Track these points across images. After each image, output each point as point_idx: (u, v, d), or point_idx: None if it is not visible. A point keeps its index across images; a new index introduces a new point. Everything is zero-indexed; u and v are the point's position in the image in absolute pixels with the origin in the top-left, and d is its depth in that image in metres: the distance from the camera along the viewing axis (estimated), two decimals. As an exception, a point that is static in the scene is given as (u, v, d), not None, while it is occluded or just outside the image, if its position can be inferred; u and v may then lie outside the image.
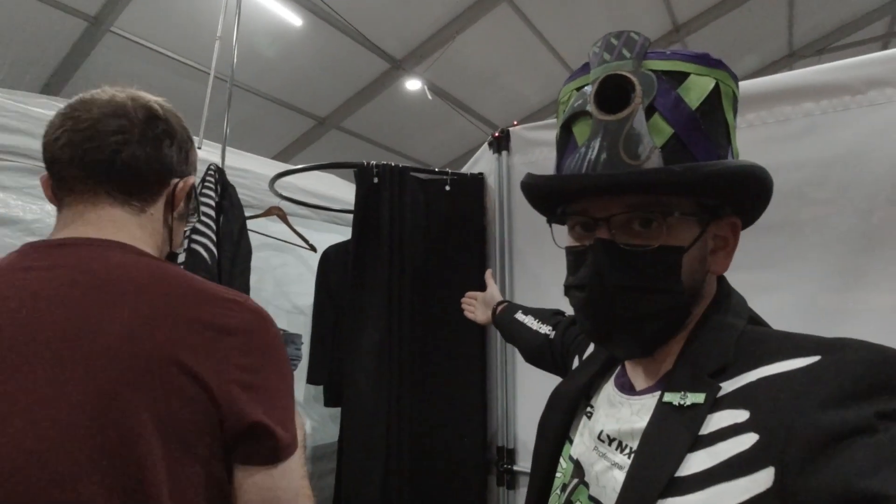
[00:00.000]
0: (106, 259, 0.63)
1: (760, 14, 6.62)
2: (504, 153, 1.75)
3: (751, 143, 1.30)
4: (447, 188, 1.80)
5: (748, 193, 0.53)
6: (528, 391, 1.68)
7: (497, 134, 1.77)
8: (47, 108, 1.79)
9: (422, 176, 1.80)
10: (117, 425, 0.53)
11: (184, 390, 0.56)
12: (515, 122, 1.82)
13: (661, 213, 0.51)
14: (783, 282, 1.24)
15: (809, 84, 1.25)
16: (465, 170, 1.98)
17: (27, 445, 0.51)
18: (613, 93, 0.51)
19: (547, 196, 0.58)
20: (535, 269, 1.69)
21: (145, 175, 0.70)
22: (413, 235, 1.73)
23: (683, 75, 0.52)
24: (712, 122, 0.52)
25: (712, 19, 6.60)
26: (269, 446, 0.60)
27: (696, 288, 0.54)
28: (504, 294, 1.71)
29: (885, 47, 6.83)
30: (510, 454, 1.67)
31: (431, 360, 1.72)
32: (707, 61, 0.53)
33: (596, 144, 0.51)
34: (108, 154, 0.67)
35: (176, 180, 0.75)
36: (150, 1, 4.63)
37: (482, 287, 1.35)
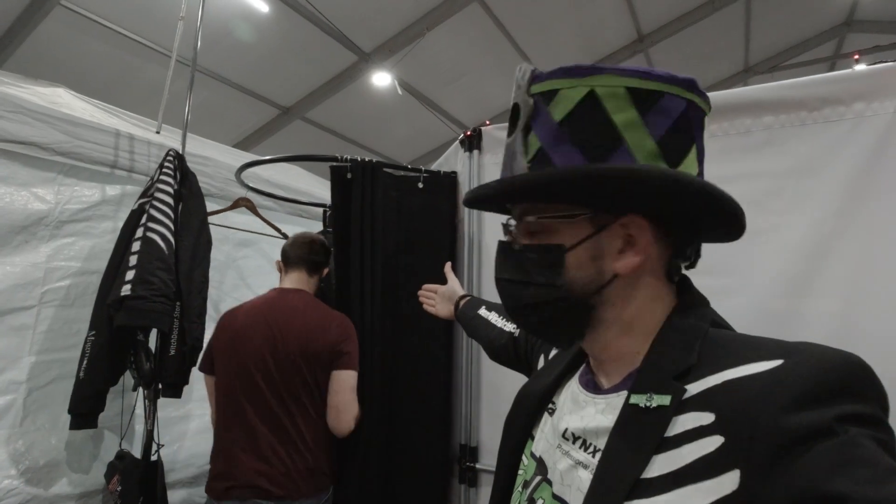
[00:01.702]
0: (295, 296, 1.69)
1: (719, 30, 6.91)
2: (475, 152, 1.76)
3: (714, 152, 1.35)
4: (420, 185, 1.78)
5: (622, 192, 0.53)
6: (493, 389, 1.69)
7: (469, 132, 1.77)
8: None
9: (395, 172, 1.79)
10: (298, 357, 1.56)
11: (321, 344, 1.57)
12: (487, 122, 1.83)
13: (538, 217, 0.57)
14: (739, 287, 1.29)
15: (769, 99, 1.31)
16: (435, 167, 1.98)
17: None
18: (512, 120, 0.60)
19: (469, 205, 0.67)
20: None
21: (320, 266, 1.79)
22: (384, 232, 1.72)
23: (554, 92, 0.56)
24: (585, 127, 0.54)
25: (675, 31, 6.83)
26: (346, 361, 1.58)
27: (589, 284, 0.55)
28: (473, 292, 1.72)
29: (832, 67, 7.25)
30: (473, 452, 1.67)
31: (399, 358, 1.71)
32: (577, 72, 0.55)
33: (502, 163, 0.62)
34: (308, 256, 1.75)
35: (326, 269, 1.82)
36: (104, -25, 4.40)
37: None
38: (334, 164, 1.73)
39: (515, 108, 0.59)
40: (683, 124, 0.55)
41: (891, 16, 6.72)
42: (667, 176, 0.51)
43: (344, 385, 1.56)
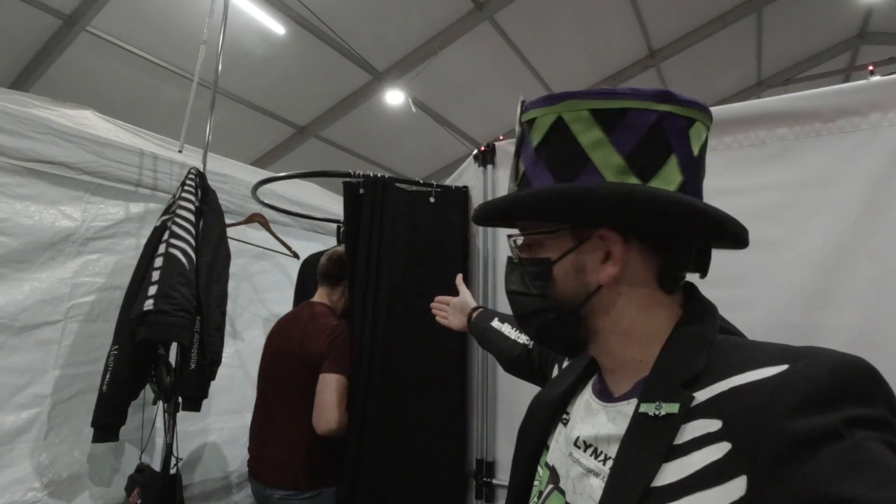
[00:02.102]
0: (308, 307, 1.88)
1: (731, 44, 6.91)
2: (489, 167, 1.78)
3: (726, 164, 1.36)
4: (431, 200, 1.81)
5: (568, 212, 0.57)
6: (508, 404, 1.68)
7: (483, 148, 1.79)
8: (15, 104, 1.74)
9: (406, 187, 1.81)
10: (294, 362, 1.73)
11: (311, 350, 1.70)
12: (501, 137, 1.85)
13: (527, 233, 0.64)
14: (754, 299, 1.28)
15: (783, 110, 1.31)
16: (449, 182, 2.00)
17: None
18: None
19: (477, 221, 0.71)
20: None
21: (337, 279, 1.89)
22: (394, 245, 1.74)
23: (533, 121, 0.62)
24: (557, 151, 0.59)
25: (686, 46, 6.85)
26: (329, 365, 1.66)
27: (577, 294, 0.59)
28: (487, 306, 1.72)
29: (847, 79, 7.18)
30: (489, 467, 1.67)
31: (413, 372, 1.71)
32: (549, 100, 0.60)
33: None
34: (326, 271, 1.90)
35: (344, 281, 1.86)
36: (128, 2, 4.56)
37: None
38: (347, 179, 1.76)
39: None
40: (655, 136, 0.56)
41: (905, 27, 6.67)
42: (620, 192, 0.54)
43: (324, 386, 1.66)
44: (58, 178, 1.73)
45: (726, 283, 1.31)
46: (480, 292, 1.75)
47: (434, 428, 1.70)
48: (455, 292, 1.36)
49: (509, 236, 0.67)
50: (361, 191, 1.75)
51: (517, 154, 0.65)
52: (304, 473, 1.68)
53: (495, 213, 0.63)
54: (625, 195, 0.54)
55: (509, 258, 0.67)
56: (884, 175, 1.19)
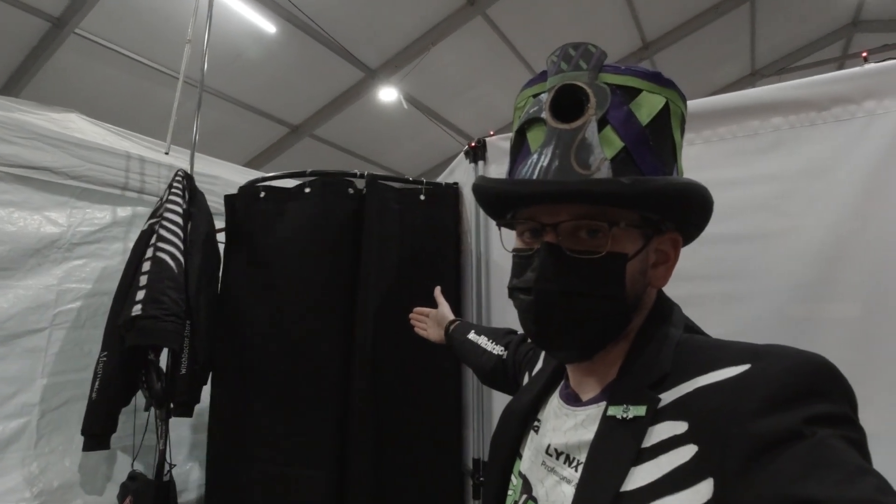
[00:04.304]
0: None
1: (725, 34, 6.88)
2: (480, 163, 1.75)
3: (722, 155, 1.34)
4: (422, 197, 1.78)
5: (691, 210, 0.55)
6: (505, 403, 1.66)
7: (473, 143, 1.77)
8: (4, 110, 1.71)
9: (396, 185, 1.78)
10: None
11: None
12: (492, 133, 1.83)
13: (608, 223, 0.52)
14: (755, 291, 1.26)
15: (777, 100, 1.29)
16: (440, 179, 1.98)
17: None
18: (568, 102, 0.53)
19: (496, 200, 0.58)
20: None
21: None
22: (387, 244, 1.71)
23: (636, 91, 0.53)
24: (660, 138, 0.54)
25: (680, 38, 6.82)
26: None
27: (636, 298, 0.55)
28: (480, 304, 1.70)
29: (841, 67, 7.17)
30: (486, 467, 1.65)
31: (409, 372, 1.69)
32: (659, 80, 0.54)
33: (548, 152, 0.52)
34: None
35: None
36: (117, 4, 4.51)
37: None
38: (229, 193, 1.79)
39: (570, 90, 0.53)
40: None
41: (899, 14, 6.65)
42: (707, 196, 0.54)
43: None
44: (42, 183, 1.70)
45: (726, 277, 1.30)
46: (473, 291, 1.72)
47: (430, 428, 1.69)
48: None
49: (548, 224, 0.53)
50: (350, 190, 1.73)
51: (604, 119, 0.51)
52: None
53: (590, 196, 0.50)
54: (710, 198, 0.55)
55: (556, 248, 0.53)
56: (881, 162, 1.17)
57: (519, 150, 0.58)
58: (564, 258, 0.53)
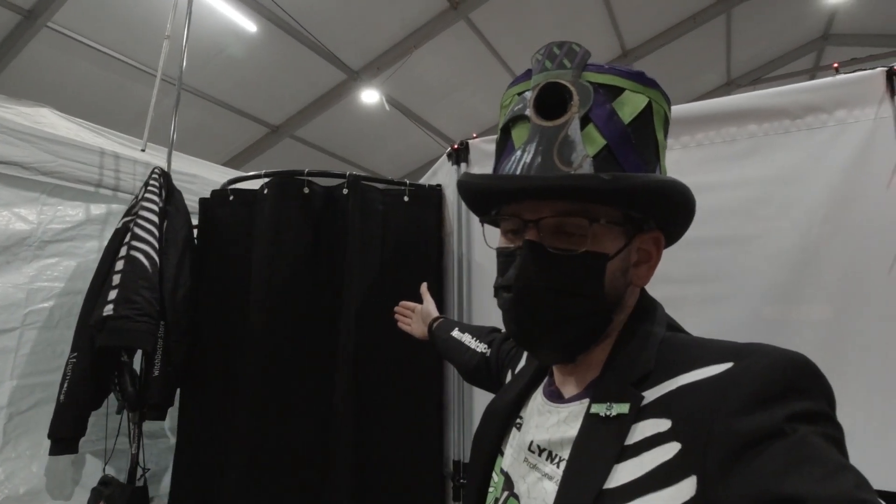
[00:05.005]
0: None
1: (701, 44, 7.05)
2: (463, 164, 1.76)
3: (699, 161, 1.37)
4: (405, 199, 1.78)
5: (673, 208, 0.55)
6: (485, 405, 1.66)
7: (456, 146, 1.77)
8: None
9: (380, 186, 1.78)
10: None
11: None
12: (475, 135, 1.83)
13: (589, 220, 0.52)
14: (730, 294, 1.28)
15: (754, 107, 1.32)
16: (423, 181, 1.97)
17: None
18: (552, 100, 0.53)
19: (480, 196, 0.59)
20: (494, 281, 1.69)
21: None
22: (370, 245, 1.70)
23: (619, 90, 0.54)
24: (642, 137, 0.54)
25: (658, 46, 6.96)
26: None
27: (617, 296, 0.55)
28: (462, 306, 1.70)
29: (812, 79, 7.39)
30: (466, 469, 1.64)
31: (388, 373, 1.68)
32: (642, 80, 0.55)
33: (532, 148, 0.53)
34: None
35: None
36: (93, -2, 4.41)
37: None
38: (203, 197, 1.78)
39: (554, 88, 0.54)
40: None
41: (866, 29, 6.89)
42: (692, 195, 0.55)
43: None
44: (11, 178, 1.64)
45: (702, 279, 1.33)
46: (455, 292, 1.72)
47: (411, 429, 1.68)
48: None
49: (531, 220, 0.53)
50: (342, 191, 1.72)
51: (587, 117, 0.52)
52: None
53: (570, 192, 0.50)
54: (692, 197, 0.55)
55: (537, 245, 0.53)
56: (851, 170, 1.21)
57: (503, 147, 0.58)
58: (546, 255, 0.53)
